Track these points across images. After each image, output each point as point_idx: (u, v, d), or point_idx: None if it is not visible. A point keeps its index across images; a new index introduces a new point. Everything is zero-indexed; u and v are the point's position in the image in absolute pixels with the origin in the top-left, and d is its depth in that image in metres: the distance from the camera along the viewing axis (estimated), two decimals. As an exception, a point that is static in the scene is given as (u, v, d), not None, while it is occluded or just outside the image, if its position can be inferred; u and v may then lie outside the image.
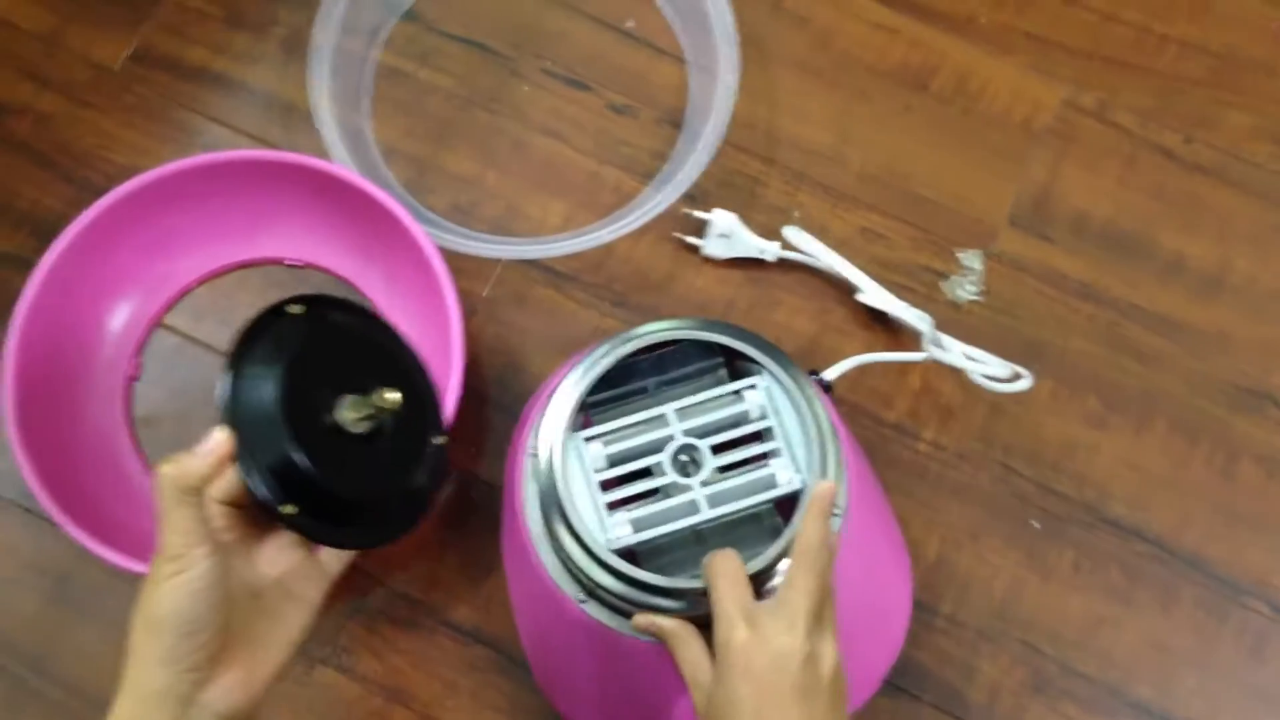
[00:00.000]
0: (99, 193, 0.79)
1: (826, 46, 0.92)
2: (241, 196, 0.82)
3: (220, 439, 0.52)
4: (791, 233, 0.85)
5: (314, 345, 0.57)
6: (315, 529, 0.54)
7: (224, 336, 0.84)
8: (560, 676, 0.72)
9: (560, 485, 0.66)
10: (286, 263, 0.85)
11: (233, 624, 0.52)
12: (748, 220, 0.86)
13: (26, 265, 0.77)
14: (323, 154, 0.81)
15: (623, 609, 0.67)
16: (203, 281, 0.85)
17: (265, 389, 0.53)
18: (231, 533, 0.54)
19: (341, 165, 0.81)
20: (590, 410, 0.72)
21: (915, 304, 0.85)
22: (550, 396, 0.69)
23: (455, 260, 0.81)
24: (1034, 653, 0.79)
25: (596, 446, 0.68)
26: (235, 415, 0.52)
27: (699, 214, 0.85)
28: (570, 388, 0.69)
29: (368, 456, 0.57)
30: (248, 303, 0.85)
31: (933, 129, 0.90)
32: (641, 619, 0.61)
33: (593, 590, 0.66)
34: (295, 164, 0.79)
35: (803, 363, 0.83)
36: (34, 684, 0.78)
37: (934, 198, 0.89)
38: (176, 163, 0.79)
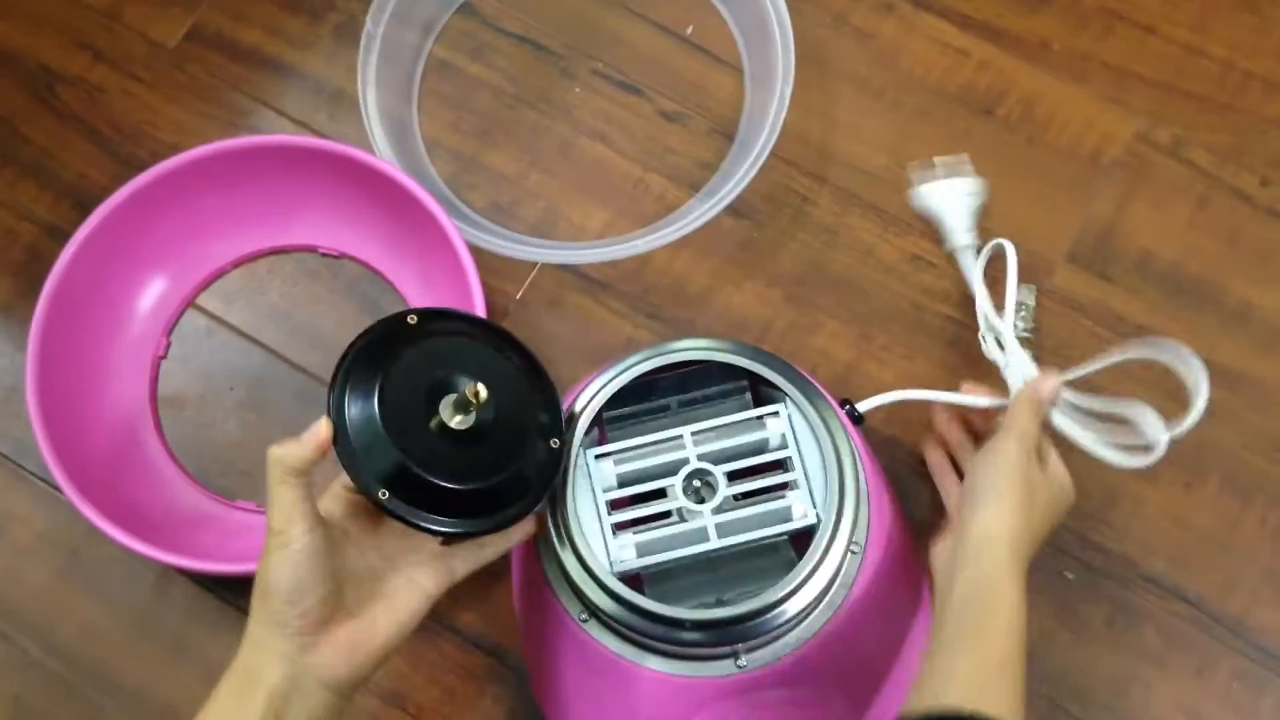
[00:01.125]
0: (143, 169, 0.79)
1: (889, 65, 0.89)
2: (279, 181, 0.81)
3: (321, 427, 0.56)
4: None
5: (422, 350, 0.60)
6: (410, 514, 0.57)
7: (254, 321, 0.84)
8: (558, 693, 0.71)
9: (568, 502, 0.64)
10: (321, 251, 0.84)
11: (346, 598, 0.57)
12: (789, 238, 0.83)
13: (67, 236, 0.78)
14: (366, 143, 0.81)
15: (623, 632, 0.65)
16: (236, 265, 0.84)
17: (367, 386, 0.57)
18: (355, 517, 0.59)
19: (382, 156, 0.80)
20: (607, 425, 0.70)
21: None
22: (567, 409, 0.67)
23: (491, 259, 0.80)
24: (1058, 710, 0.76)
25: (607, 464, 0.66)
26: (339, 408, 0.57)
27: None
28: (586, 402, 0.67)
29: (475, 453, 0.59)
30: (279, 289, 0.84)
31: (995, 156, 0.86)
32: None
33: (594, 610, 0.65)
34: (334, 152, 0.78)
35: (837, 390, 0.80)
36: (35, 654, 0.78)
37: (991, 228, 0.85)
38: (216, 144, 0.78)
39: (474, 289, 0.74)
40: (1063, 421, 0.72)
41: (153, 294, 0.83)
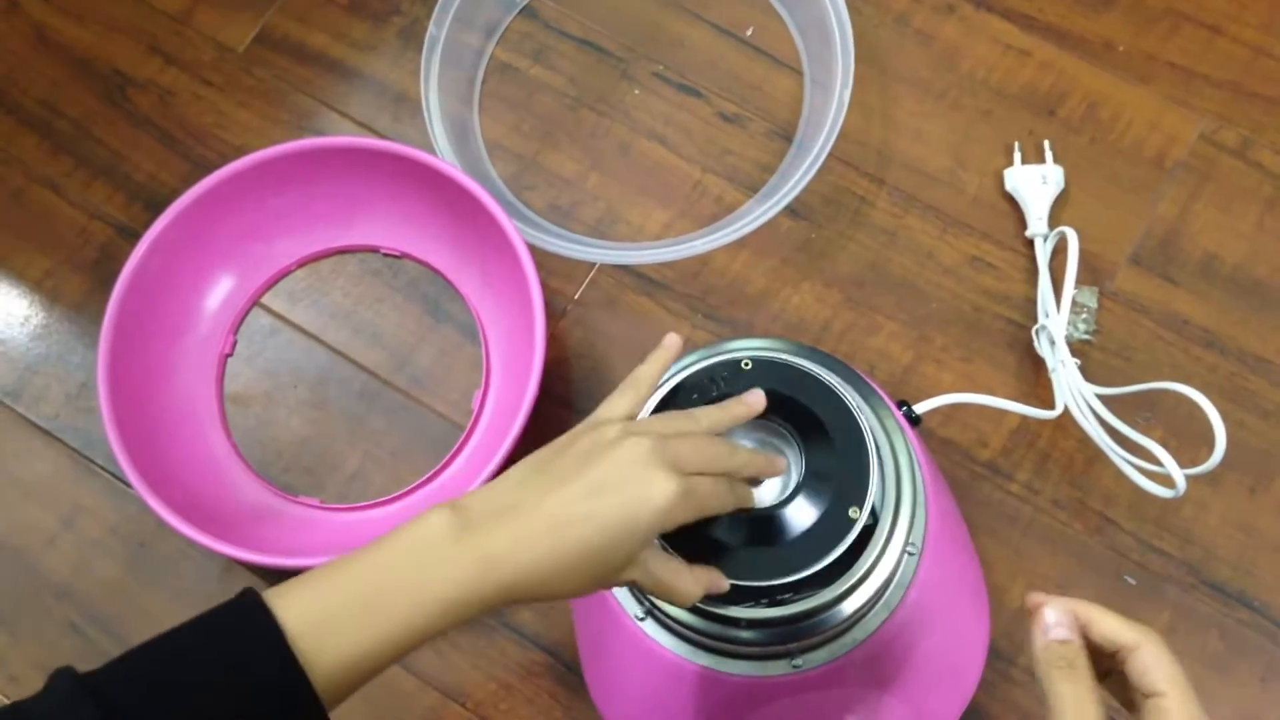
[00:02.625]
0: (211, 170, 0.80)
1: (951, 66, 0.88)
2: (343, 182, 0.82)
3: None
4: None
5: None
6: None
7: (317, 320, 0.85)
8: (614, 692, 0.71)
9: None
10: (383, 251, 0.85)
11: None
12: (848, 240, 0.83)
13: (138, 236, 0.79)
14: (428, 145, 0.82)
15: (680, 631, 0.65)
16: (301, 264, 0.86)
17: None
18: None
19: (444, 158, 0.81)
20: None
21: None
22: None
23: (549, 260, 0.81)
24: (1118, 713, 0.75)
25: (664, 462, 0.66)
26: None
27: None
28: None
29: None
30: (342, 288, 0.86)
31: (1057, 157, 0.86)
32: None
33: (651, 610, 0.65)
34: (397, 154, 0.79)
35: (895, 391, 0.80)
36: (104, 645, 0.80)
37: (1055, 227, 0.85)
38: (282, 146, 0.80)
39: (533, 289, 0.75)
40: (1095, 433, 0.75)
41: (220, 293, 0.85)
